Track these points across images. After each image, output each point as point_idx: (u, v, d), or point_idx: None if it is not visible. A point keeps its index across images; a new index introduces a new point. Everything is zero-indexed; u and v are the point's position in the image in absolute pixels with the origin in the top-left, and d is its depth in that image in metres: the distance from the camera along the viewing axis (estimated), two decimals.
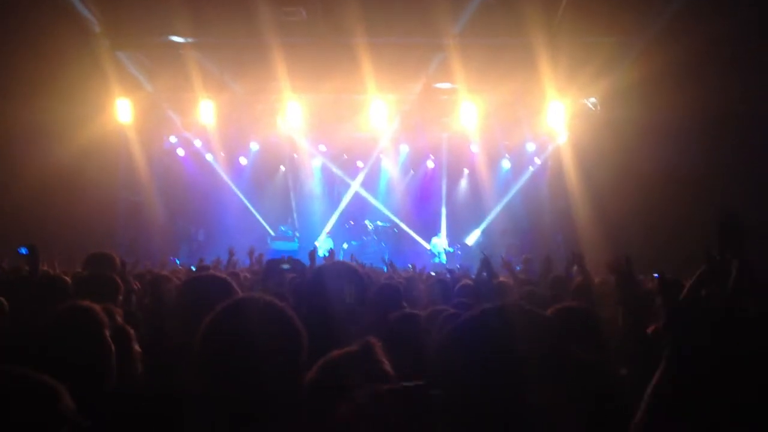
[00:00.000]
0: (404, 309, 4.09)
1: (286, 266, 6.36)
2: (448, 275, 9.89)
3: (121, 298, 4.08)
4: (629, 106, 14.47)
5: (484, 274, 8.64)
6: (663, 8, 12.89)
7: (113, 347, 2.64)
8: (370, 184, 22.69)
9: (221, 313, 1.91)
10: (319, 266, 3.33)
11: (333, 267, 3.26)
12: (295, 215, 22.45)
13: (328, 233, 21.04)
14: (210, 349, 1.85)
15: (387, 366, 1.86)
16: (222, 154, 21.15)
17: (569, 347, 1.69)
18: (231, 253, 9.55)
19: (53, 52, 13.56)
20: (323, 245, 20.25)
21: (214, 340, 1.86)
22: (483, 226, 21.65)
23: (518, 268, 17.88)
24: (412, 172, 23.31)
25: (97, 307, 2.73)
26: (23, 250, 4.68)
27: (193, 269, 9.29)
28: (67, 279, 4.57)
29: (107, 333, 2.66)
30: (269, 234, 21.71)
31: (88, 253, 5.26)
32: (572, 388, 1.57)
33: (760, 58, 11.02)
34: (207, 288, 2.81)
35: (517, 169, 21.79)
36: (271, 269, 6.40)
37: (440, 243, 20.49)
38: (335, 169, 22.72)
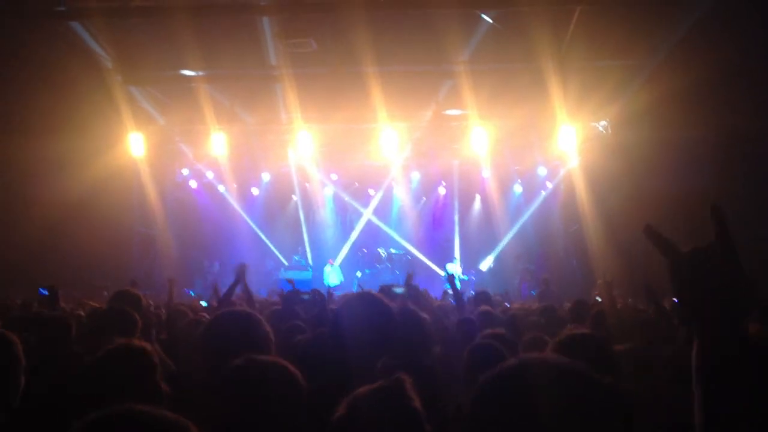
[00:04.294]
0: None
1: (305, 296, 6.39)
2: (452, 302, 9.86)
3: (138, 333, 4.07)
4: (640, 129, 14.43)
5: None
6: (672, 31, 12.92)
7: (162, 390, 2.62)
8: (382, 211, 22.69)
9: (232, 375, 2.13)
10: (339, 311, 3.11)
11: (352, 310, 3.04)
12: (307, 244, 22.46)
13: (332, 264, 20.92)
14: (223, 406, 2.08)
15: (417, 403, 1.83)
16: (234, 185, 21.27)
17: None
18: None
19: (67, 88, 13.72)
20: (330, 275, 20.25)
21: (226, 399, 2.08)
22: (496, 251, 21.59)
23: (533, 292, 17.92)
24: (424, 199, 23.31)
25: (148, 348, 2.72)
26: (43, 291, 4.69)
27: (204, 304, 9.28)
28: (70, 321, 4.53)
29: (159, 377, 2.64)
30: (282, 264, 21.69)
31: (114, 291, 5.27)
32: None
33: None
34: (231, 327, 2.79)
35: (529, 194, 21.76)
36: (291, 300, 6.42)
37: (454, 270, 20.42)
38: (347, 198, 22.78)
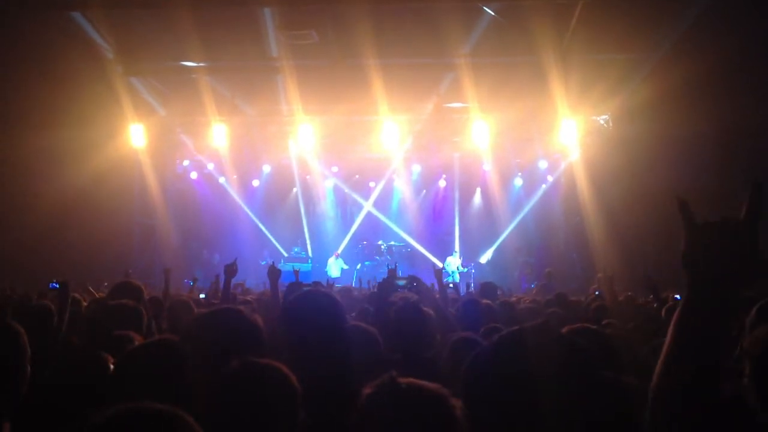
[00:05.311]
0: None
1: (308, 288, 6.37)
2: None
3: (144, 326, 4.08)
4: (641, 122, 14.43)
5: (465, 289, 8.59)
6: (674, 25, 12.90)
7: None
8: (382, 204, 22.68)
9: (225, 380, 2.11)
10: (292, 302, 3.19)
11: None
12: (307, 236, 22.45)
13: (337, 256, 20.89)
14: (215, 413, 2.05)
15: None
16: (234, 177, 21.23)
17: (593, 367, 1.66)
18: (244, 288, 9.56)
19: (68, 79, 13.71)
20: (332, 267, 20.25)
21: (218, 406, 2.07)
22: (496, 244, 21.59)
23: (533, 285, 17.92)
24: (424, 191, 23.29)
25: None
26: (54, 285, 4.68)
27: (203, 297, 9.27)
28: (53, 309, 4.49)
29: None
30: (282, 255, 21.68)
31: (115, 283, 5.28)
32: (596, 407, 1.56)
33: None
34: (209, 330, 2.75)
35: (530, 187, 21.74)
36: (293, 292, 6.39)
37: (454, 262, 20.42)
38: (347, 190, 22.77)
